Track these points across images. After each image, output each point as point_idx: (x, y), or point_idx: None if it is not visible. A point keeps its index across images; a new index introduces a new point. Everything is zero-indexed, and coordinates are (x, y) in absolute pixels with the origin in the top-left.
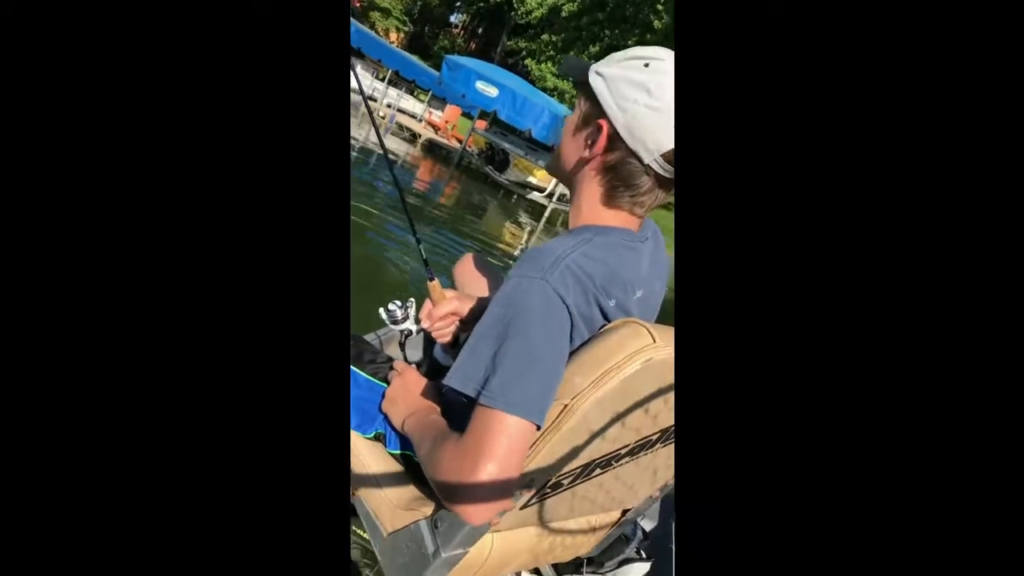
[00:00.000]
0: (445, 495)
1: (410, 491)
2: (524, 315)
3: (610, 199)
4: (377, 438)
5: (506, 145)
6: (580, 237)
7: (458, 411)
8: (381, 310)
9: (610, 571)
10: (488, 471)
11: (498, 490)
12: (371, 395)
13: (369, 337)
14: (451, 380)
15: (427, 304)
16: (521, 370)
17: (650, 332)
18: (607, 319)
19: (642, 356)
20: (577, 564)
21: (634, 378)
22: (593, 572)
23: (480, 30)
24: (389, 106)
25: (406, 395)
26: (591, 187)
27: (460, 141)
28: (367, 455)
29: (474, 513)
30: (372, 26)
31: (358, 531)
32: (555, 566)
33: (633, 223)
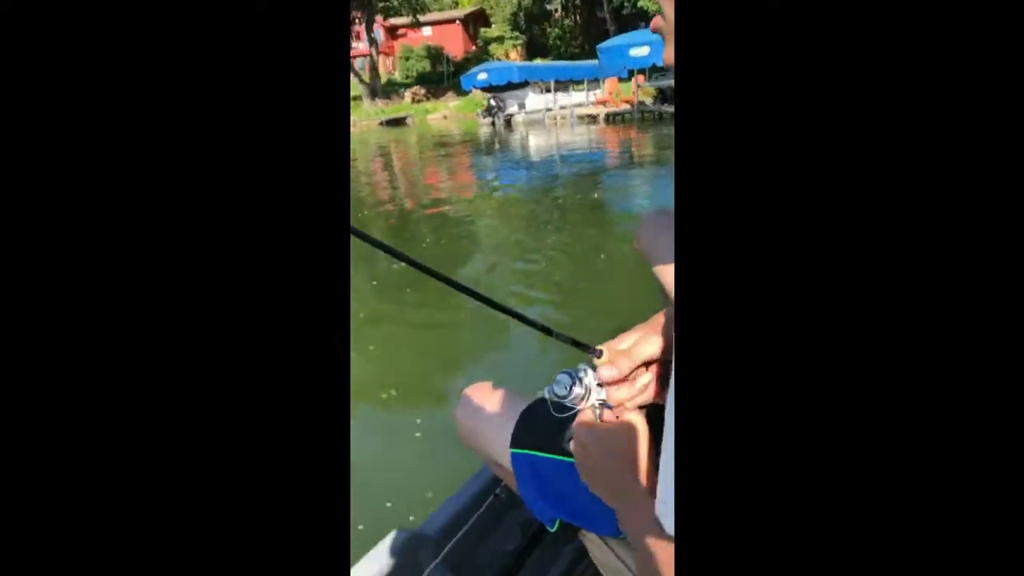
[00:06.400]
0: None
1: None
2: None
3: None
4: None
5: (671, 81)
6: None
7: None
8: (546, 391)
9: None
10: None
11: None
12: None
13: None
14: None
15: (603, 372)
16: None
17: None
18: None
19: None
20: None
21: None
22: None
23: (577, 1)
24: (563, 108)
25: (596, 481)
26: None
27: (630, 102)
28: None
29: None
30: (495, 57)
31: None
32: None
33: None
